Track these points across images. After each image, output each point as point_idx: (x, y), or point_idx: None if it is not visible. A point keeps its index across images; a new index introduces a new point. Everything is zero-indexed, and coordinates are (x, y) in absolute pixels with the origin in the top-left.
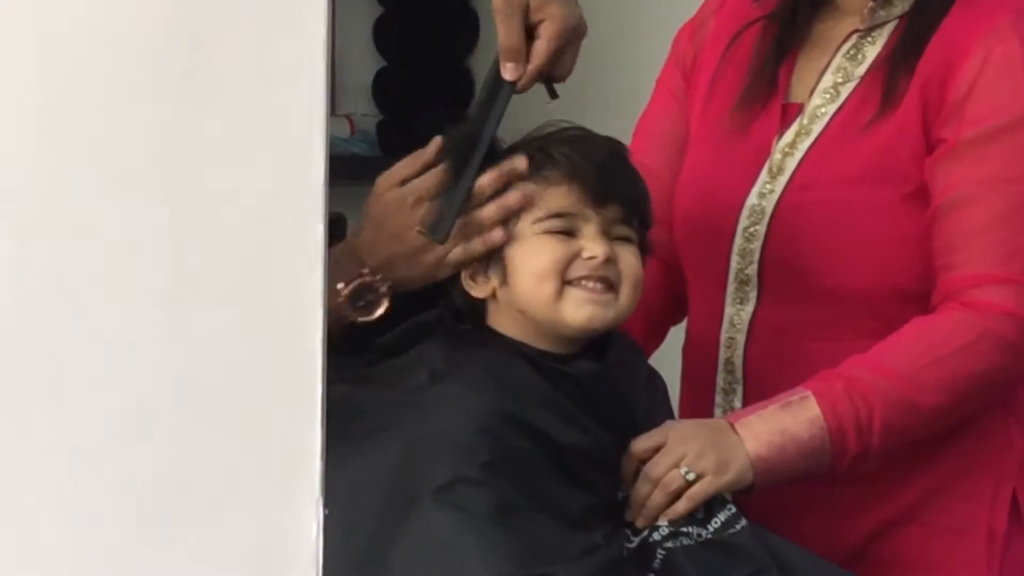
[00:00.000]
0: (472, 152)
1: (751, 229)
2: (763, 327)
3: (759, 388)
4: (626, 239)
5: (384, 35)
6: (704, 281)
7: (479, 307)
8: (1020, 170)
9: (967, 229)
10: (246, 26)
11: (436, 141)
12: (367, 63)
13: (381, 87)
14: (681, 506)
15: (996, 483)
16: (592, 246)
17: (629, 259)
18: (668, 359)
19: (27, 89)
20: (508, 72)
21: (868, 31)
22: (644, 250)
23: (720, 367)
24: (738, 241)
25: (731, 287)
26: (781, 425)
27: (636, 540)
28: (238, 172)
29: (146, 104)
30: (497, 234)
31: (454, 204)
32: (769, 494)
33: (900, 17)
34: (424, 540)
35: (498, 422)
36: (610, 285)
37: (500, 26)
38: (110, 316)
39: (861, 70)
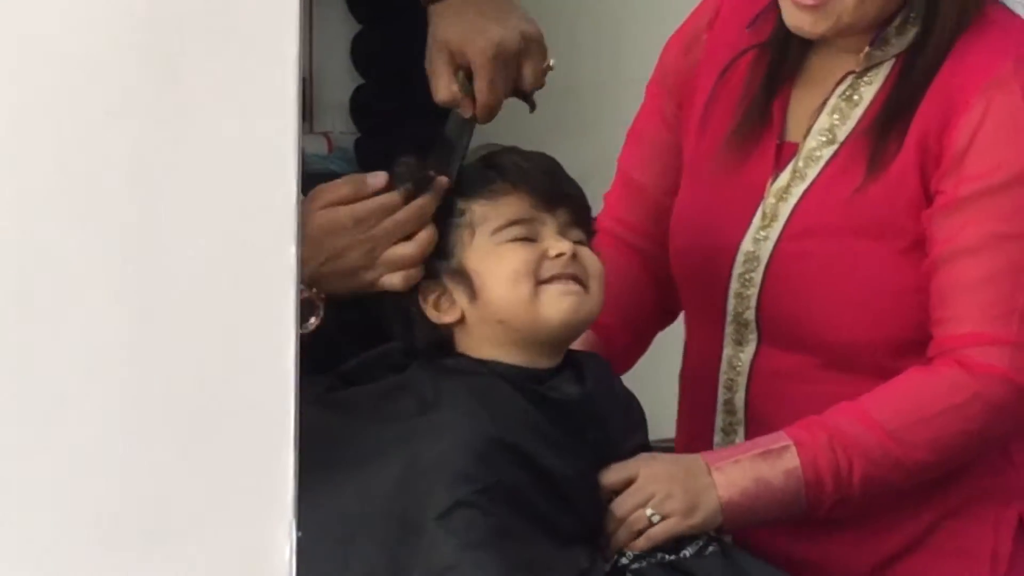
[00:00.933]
0: (426, 185)
1: (747, 275)
2: (764, 370)
3: (761, 430)
4: (581, 242)
5: (361, 52)
6: (702, 319)
7: (446, 336)
8: (1018, 227)
9: (963, 284)
10: (218, 47)
11: (382, 175)
12: (344, 80)
13: (359, 104)
14: (640, 544)
15: (1001, 506)
16: (556, 244)
17: (591, 257)
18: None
19: None
20: (464, 112)
21: (864, 71)
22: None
23: (720, 408)
24: (734, 285)
25: (729, 328)
26: (757, 473)
27: (607, 565)
28: (210, 192)
29: (118, 124)
30: (414, 273)
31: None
32: (769, 527)
33: (897, 56)
34: (430, 565)
35: (492, 448)
36: (580, 282)
37: (431, 85)
38: (80, 336)
39: (858, 112)
